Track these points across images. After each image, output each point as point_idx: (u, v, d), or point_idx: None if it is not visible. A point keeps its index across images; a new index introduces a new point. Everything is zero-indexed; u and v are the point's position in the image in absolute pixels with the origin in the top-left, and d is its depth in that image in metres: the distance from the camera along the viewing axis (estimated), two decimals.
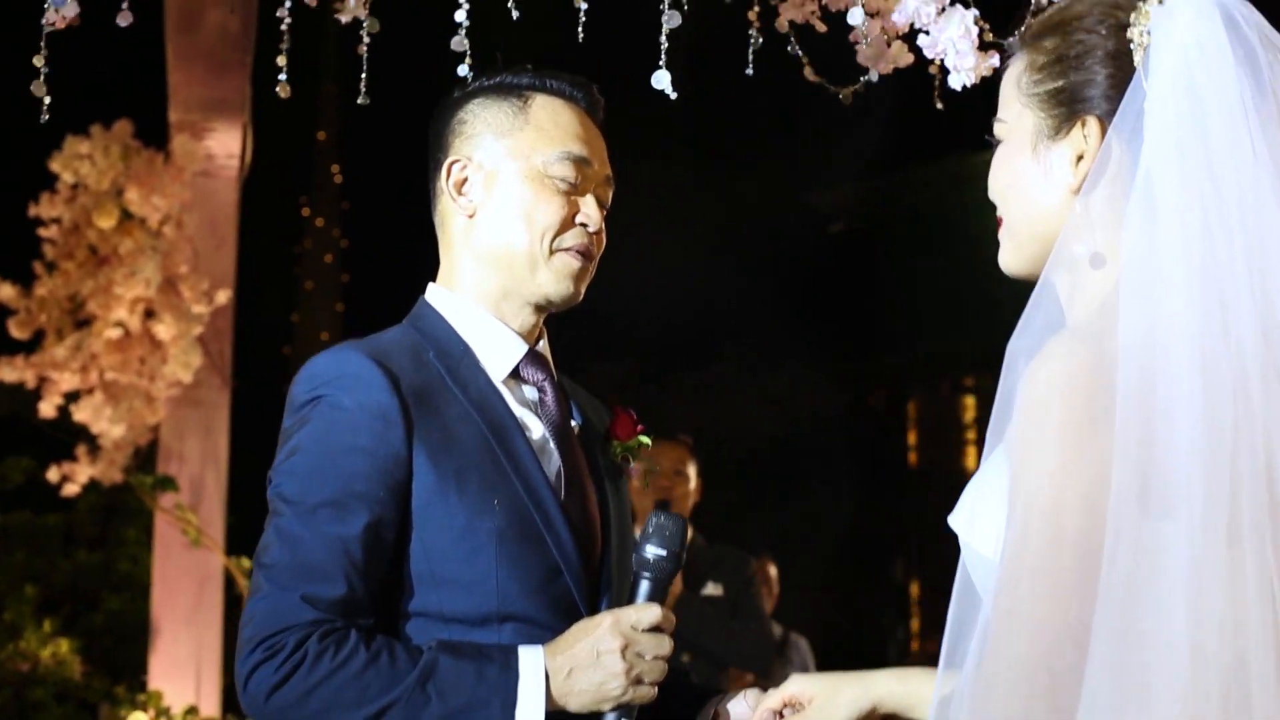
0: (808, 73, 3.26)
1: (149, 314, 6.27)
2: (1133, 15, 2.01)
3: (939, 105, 3.35)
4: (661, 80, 3.02)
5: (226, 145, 6.43)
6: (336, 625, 2.28)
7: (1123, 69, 2.00)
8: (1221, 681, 1.78)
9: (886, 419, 13.74)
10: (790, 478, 12.47)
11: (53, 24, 3.16)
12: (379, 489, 2.33)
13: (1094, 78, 2.02)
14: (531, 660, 2.30)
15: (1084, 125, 2.02)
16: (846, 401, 13.36)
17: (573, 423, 2.58)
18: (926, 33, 3.14)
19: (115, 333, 6.22)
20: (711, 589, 5.58)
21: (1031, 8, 3.08)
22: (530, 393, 2.53)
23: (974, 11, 3.14)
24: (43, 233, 6.28)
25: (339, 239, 11.97)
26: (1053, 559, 1.81)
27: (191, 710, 6.16)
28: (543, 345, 2.59)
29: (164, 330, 6.17)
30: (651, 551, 2.38)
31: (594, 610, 2.44)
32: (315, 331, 11.93)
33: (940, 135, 3.22)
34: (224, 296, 6.33)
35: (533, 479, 2.42)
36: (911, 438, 13.68)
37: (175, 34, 6.05)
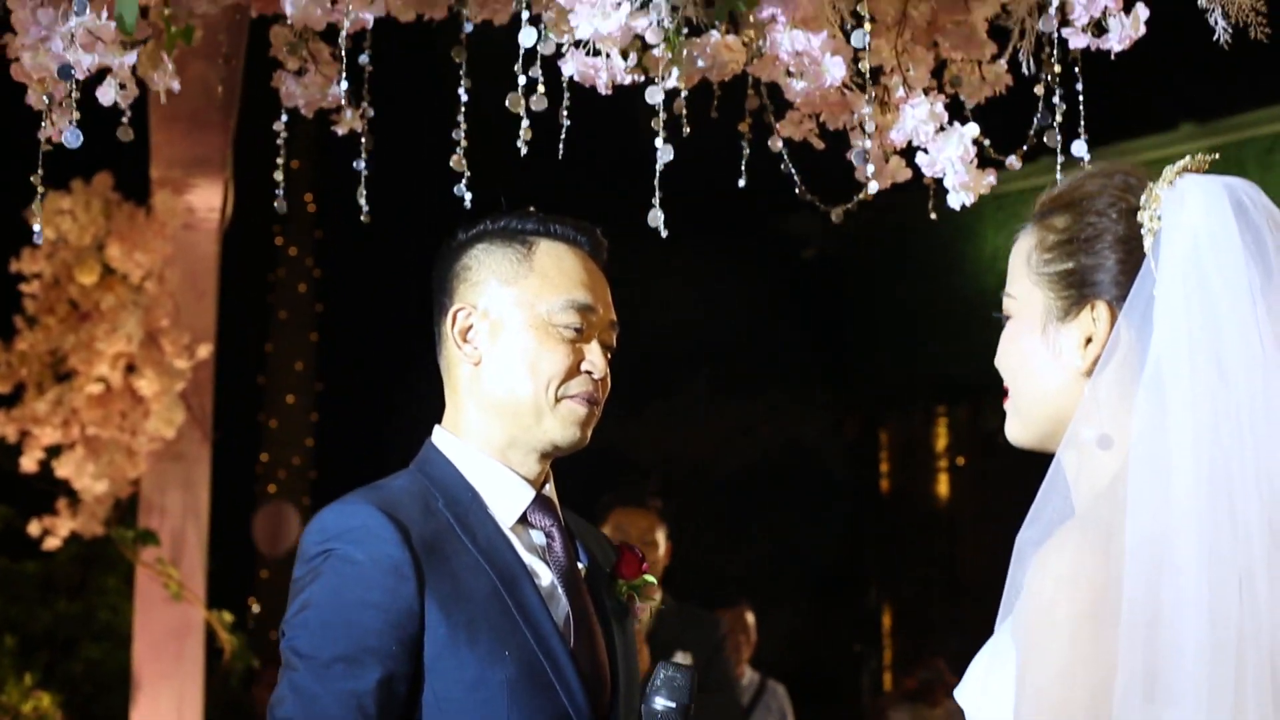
0: (799, 192, 3.27)
1: (130, 369, 6.25)
2: (1143, 198, 2.02)
3: (933, 216, 3.38)
4: (656, 219, 3.03)
5: (208, 199, 6.39)
6: None
7: (1132, 254, 2.01)
8: None
9: (859, 446, 13.76)
10: (762, 505, 12.49)
11: (48, 138, 3.18)
12: (391, 643, 2.35)
13: (1104, 262, 2.03)
14: None
15: (1093, 309, 2.03)
16: (819, 428, 13.37)
17: (579, 565, 2.60)
18: (925, 151, 3.16)
19: (97, 388, 6.19)
20: (680, 657, 5.52)
21: (1034, 130, 3.11)
22: (538, 538, 2.55)
23: (974, 127, 3.16)
24: (24, 288, 6.26)
25: (312, 268, 11.92)
26: None
27: None
28: (549, 489, 2.60)
29: (146, 386, 6.15)
30: (660, 703, 2.41)
31: None
32: (289, 361, 11.86)
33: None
34: (205, 351, 6.32)
35: (542, 628, 2.44)
36: (884, 465, 13.72)
37: (158, 95, 6.02)
